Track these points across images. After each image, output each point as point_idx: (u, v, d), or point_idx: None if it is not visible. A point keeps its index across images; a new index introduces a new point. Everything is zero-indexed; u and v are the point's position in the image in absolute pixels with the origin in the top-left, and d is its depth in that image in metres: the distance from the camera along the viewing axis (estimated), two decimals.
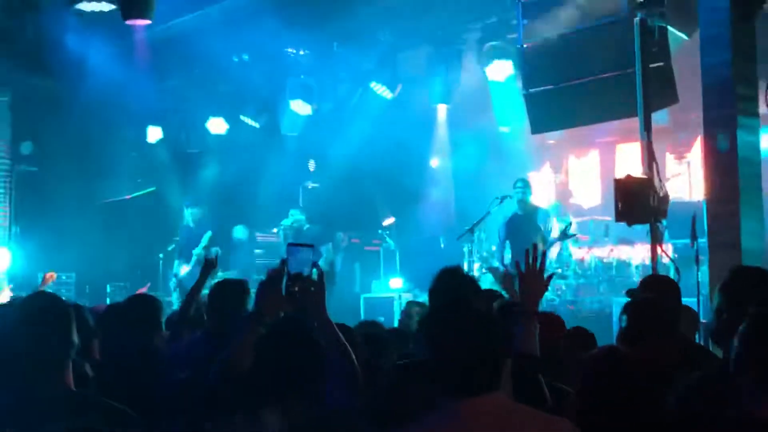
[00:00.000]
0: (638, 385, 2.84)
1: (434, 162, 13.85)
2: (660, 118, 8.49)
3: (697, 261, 6.63)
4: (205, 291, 4.60)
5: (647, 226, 6.60)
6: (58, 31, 10.15)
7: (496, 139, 12.38)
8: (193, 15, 10.15)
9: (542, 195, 12.41)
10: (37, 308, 2.62)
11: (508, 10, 9.35)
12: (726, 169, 6.54)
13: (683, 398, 2.94)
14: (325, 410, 2.74)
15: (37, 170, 12.22)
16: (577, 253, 11.00)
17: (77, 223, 11.88)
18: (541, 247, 3.30)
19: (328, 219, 12.52)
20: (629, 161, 11.20)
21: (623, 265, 10.73)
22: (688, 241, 6.59)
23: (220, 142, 13.24)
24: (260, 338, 2.86)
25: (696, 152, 11.50)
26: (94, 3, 7.98)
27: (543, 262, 3.24)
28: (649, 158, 6.67)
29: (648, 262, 8.31)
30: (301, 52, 11.77)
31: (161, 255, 12.39)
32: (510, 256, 9.57)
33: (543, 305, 8.92)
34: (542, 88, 8.16)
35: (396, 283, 11.94)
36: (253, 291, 3.29)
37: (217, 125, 12.98)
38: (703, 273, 6.58)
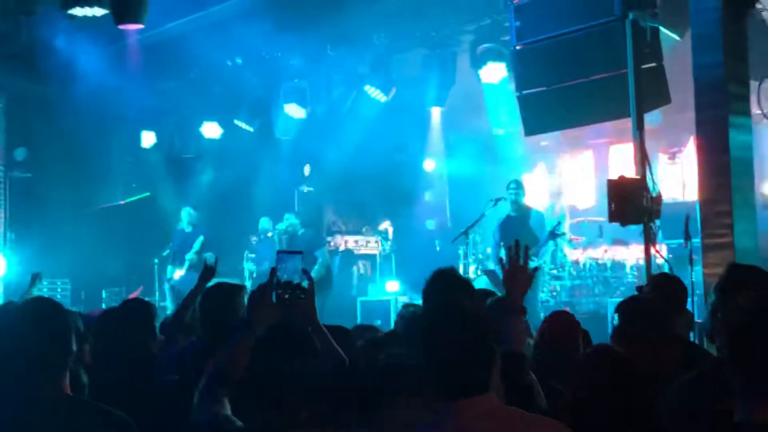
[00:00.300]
0: (632, 384, 2.84)
1: (429, 165, 13.84)
2: (653, 119, 8.50)
3: (691, 261, 6.63)
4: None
5: (641, 227, 6.60)
6: (52, 37, 10.13)
7: (490, 142, 12.39)
8: (186, 19, 10.14)
9: (536, 196, 12.42)
10: (38, 314, 2.63)
11: (501, 12, 9.36)
12: (719, 168, 6.57)
13: (677, 397, 2.95)
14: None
15: (32, 176, 12.21)
16: (571, 254, 11.02)
17: (72, 228, 11.86)
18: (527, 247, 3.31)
19: (323, 223, 12.50)
20: (622, 162, 11.22)
21: (618, 265, 10.75)
22: (681, 241, 6.58)
23: (214, 146, 13.24)
24: (256, 344, 2.84)
25: (689, 152, 11.52)
26: (87, 8, 7.96)
27: (526, 258, 3.25)
28: (642, 158, 6.66)
29: (642, 262, 8.31)
30: (295, 56, 11.75)
31: (156, 260, 12.36)
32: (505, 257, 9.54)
33: (537, 307, 8.97)
34: (535, 89, 8.16)
35: (392, 286, 11.91)
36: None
37: (211, 130, 12.96)
38: (697, 273, 6.59)
